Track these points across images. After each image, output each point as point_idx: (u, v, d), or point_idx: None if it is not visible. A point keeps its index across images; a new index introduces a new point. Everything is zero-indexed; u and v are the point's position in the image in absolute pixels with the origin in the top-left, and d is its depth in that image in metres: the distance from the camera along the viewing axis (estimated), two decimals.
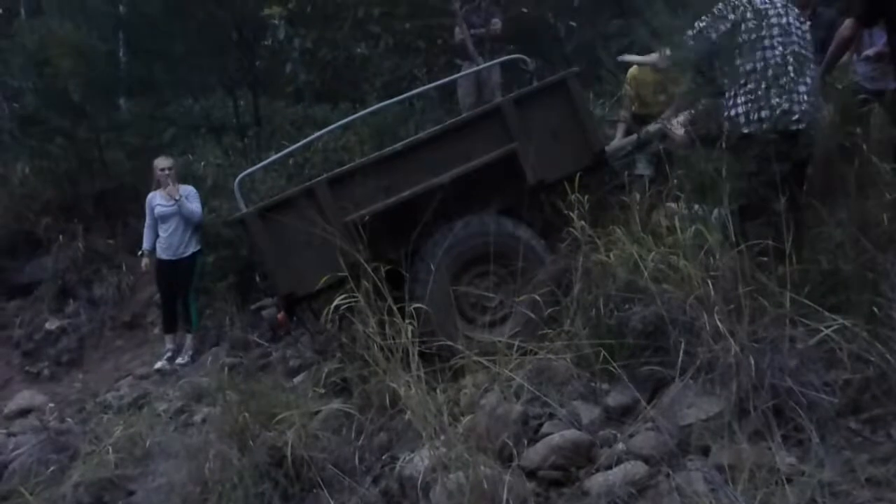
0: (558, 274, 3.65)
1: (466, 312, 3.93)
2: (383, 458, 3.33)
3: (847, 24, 3.68)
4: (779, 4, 3.52)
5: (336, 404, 3.62)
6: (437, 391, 3.10)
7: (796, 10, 3.60)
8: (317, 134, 5.38)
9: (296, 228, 3.83)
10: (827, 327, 2.77)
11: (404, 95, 5.48)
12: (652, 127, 4.36)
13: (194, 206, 6.08)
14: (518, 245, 3.75)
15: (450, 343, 3.45)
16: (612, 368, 3.05)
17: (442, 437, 2.92)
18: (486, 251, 3.75)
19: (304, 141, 5.33)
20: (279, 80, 9.00)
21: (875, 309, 2.82)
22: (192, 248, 6.14)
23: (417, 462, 2.99)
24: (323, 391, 3.82)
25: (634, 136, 4.45)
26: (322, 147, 6.78)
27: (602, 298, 3.26)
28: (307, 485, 3.22)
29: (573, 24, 7.95)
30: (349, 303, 3.39)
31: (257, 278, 5.72)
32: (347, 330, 3.75)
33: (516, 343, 3.35)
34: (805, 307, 2.88)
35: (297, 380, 4.61)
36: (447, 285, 3.81)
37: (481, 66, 6.12)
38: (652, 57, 4.22)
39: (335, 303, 3.35)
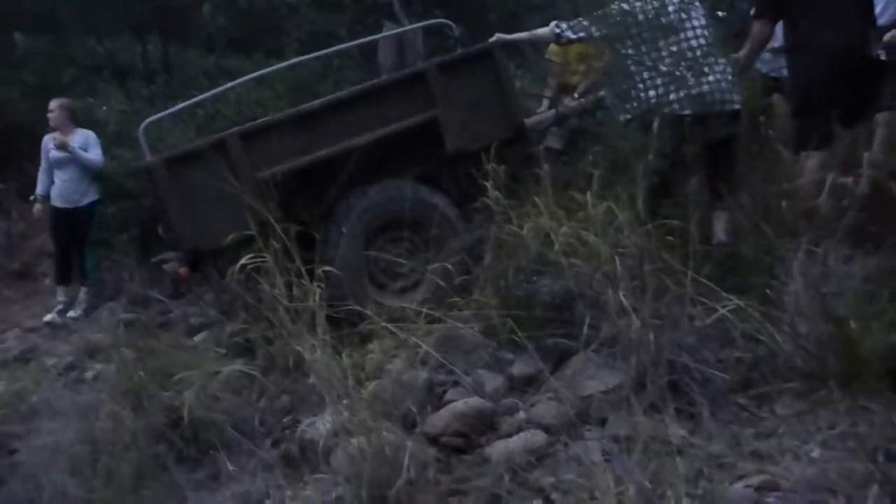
0: (471, 243, 3.66)
1: (377, 277, 3.90)
2: (285, 421, 3.28)
3: (761, 21, 3.80)
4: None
5: (238, 365, 3.52)
6: (343, 356, 3.06)
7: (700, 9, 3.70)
8: (229, 84, 5.15)
9: (204, 181, 3.68)
10: (723, 307, 2.86)
11: (324, 52, 5.32)
12: (571, 102, 4.41)
13: (92, 153, 5.74)
14: (433, 212, 3.73)
15: (358, 308, 3.41)
16: (518, 338, 3.09)
17: (345, 402, 2.89)
18: (400, 217, 3.71)
19: (216, 91, 5.10)
20: (192, 25, 8.58)
21: (768, 291, 2.94)
22: (91, 197, 5.81)
23: (319, 426, 2.94)
24: (225, 351, 3.71)
25: (554, 111, 4.49)
26: (235, 100, 6.53)
27: (512, 270, 3.29)
28: (205, 447, 3.13)
29: None
30: (256, 262, 3.29)
31: (160, 231, 5.49)
32: (253, 290, 3.65)
33: (425, 310, 3.34)
34: (705, 287, 2.98)
35: (198, 338, 4.47)
36: (359, 249, 3.75)
37: (405, 28, 6.00)
38: (522, 35, 4.24)
39: (241, 262, 3.24)
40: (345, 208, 3.80)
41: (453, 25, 4.70)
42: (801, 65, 3.70)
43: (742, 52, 3.91)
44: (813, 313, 2.69)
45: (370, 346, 3.33)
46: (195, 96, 5.10)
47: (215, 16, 7.94)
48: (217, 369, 3.50)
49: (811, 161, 3.52)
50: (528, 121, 4.32)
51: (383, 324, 3.12)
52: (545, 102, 4.94)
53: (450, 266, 3.54)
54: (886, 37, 3.72)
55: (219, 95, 5.68)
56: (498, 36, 4.12)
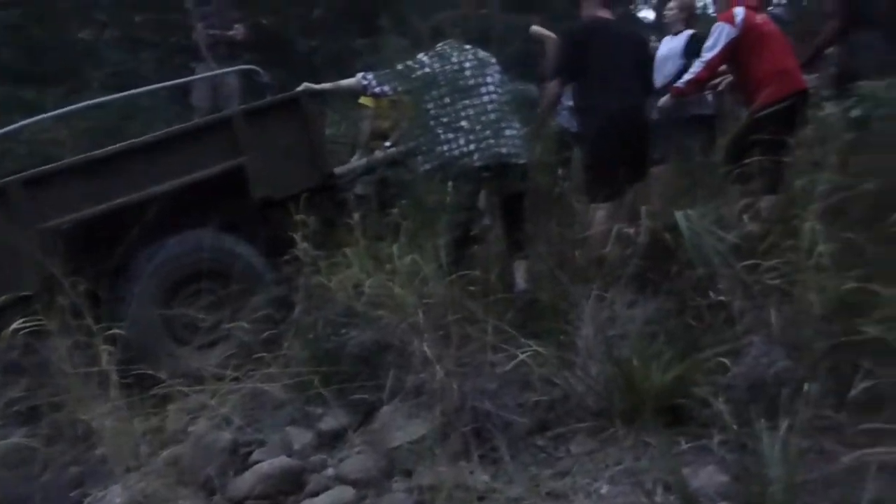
0: (279, 295, 3.58)
1: (179, 334, 3.70)
2: (72, 495, 2.98)
3: (555, 81, 4.10)
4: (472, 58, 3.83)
5: (18, 437, 3.19)
6: (136, 421, 2.86)
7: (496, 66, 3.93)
8: (22, 122, 4.72)
9: None
10: (523, 352, 2.99)
11: (132, 92, 5.04)
12: (379, 154, 4.48)
13: None
14: (238, 264, 3.62)
15: (151, 371, 3.19)
16: (326, 393, 3.04)
17: (140, 471, 2.70)
18: (201, 268, 3.56)
19: (6, 129, 4.66)
20: None
21: (563, 336, 3.11)
22: None
23: (110, 499, 2.73)
24: (2, 422, 3.34)
25: (365, 160, 4.53)
26: (28, 138, 6.01)
27: (321, 322, 3.25)
28: None
29: (313, 44, 7.91)
30: (37, 324, 3.01)
31: None
32: (38, 352, 3.33)
33: (230, 367, 3.21)
34: (506, 334, 3.10)
35: None
36: (155, 306, 3.55)
37: (216, 72, 5.86)
38: (328, 85, 4.31)
39: (16, 325, 2.94)
40: (140, 261, 3.58)
41: (261, 71, 4.64)
42: (588, 124, 4.02)
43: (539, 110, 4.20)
44: (601, 355, 2.87)
45: (169, 409, 3.14)
46: None
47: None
48: None
49: (600, 212, 3.82)
50: (339, 169, 4.32)
51: (178, 386, 2.96)
52: (359, 151, 4.98)
53: (253, 321, 3.43)
54: (660, 101, 4.14)
55: (11, 134, 5.20)
56: (305, 85, 4.12)
